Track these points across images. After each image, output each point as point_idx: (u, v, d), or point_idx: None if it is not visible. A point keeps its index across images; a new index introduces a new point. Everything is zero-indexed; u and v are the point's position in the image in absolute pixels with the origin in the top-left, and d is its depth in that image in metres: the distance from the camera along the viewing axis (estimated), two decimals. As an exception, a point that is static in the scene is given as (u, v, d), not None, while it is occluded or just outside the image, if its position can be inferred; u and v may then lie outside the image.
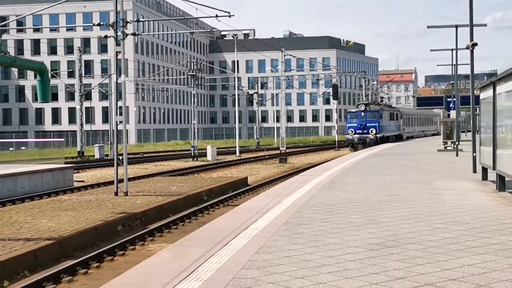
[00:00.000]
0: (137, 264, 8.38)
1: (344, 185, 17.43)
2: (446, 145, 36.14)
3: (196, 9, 73.39)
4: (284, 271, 7.26)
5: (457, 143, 32.51)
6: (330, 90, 51.30)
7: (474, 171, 20.17)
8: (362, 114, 55.50)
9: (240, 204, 16.01)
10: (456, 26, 31.57)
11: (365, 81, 79.73)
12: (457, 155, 30.33)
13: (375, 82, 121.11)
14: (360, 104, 57.55)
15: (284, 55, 59.18)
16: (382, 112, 57.06)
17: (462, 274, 6.94)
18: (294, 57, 78.32)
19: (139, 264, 8.18)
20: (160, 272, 7.48)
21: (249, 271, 7.27)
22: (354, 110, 57.47)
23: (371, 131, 54.49)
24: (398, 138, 62.35)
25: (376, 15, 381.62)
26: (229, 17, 29.37)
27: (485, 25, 31.03)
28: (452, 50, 39.19)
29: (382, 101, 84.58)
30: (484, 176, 17.70)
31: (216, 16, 29.62)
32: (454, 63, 38.92)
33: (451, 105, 45.24)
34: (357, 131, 54.84)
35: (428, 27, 33.77)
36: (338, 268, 7.32)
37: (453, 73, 42.08)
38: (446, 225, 10.21)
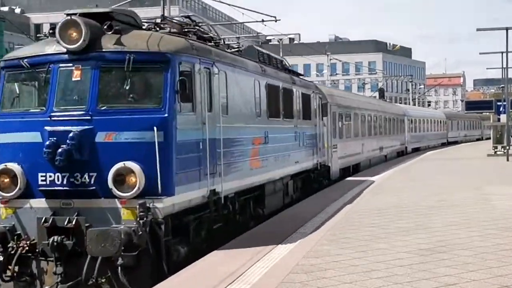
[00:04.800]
0: (184, 267, 8.42)
1: (391, 189, 17.22)
2: (496, 150, 35.46)
3: (243, 13, 73.40)
4: (332, 275, 7.20)
5: (507, 147, 31.86)
6: (377, 94, 49.07)
7: (526, 176, 19.75)
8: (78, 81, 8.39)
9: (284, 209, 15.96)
10: (507, 29, 31.04)
11: (412, 85, 78.87)
12: (507, 160, 29.72)
13: (422, 86, 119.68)
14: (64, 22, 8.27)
15: (330, 59, 58.99)
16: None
17: (516, 281, 6.78)
18: (340, 61, 77.85)
19: (187, 267, 8.22)
20: (209, 275, 7.51)
21: (297, 276, 7.24)
22: (20, 56, 8.90)
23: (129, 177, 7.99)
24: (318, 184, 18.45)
25: (423, 18, 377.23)
26: (275, 21, 29.28)
27: (537, 27, 30.40)
28: (502, 53, 38.44)
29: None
30: (537, 182, 17.31)
31: (262, 20, 29.59)
32: (504, 66, 38.23)
33: (501, 109, 44.35)
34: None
35: (478, 29, 33.38)
36: (387, 274, 7.23)
37: (503, 76, 41.28)
38: (498, 231, 9.99)
